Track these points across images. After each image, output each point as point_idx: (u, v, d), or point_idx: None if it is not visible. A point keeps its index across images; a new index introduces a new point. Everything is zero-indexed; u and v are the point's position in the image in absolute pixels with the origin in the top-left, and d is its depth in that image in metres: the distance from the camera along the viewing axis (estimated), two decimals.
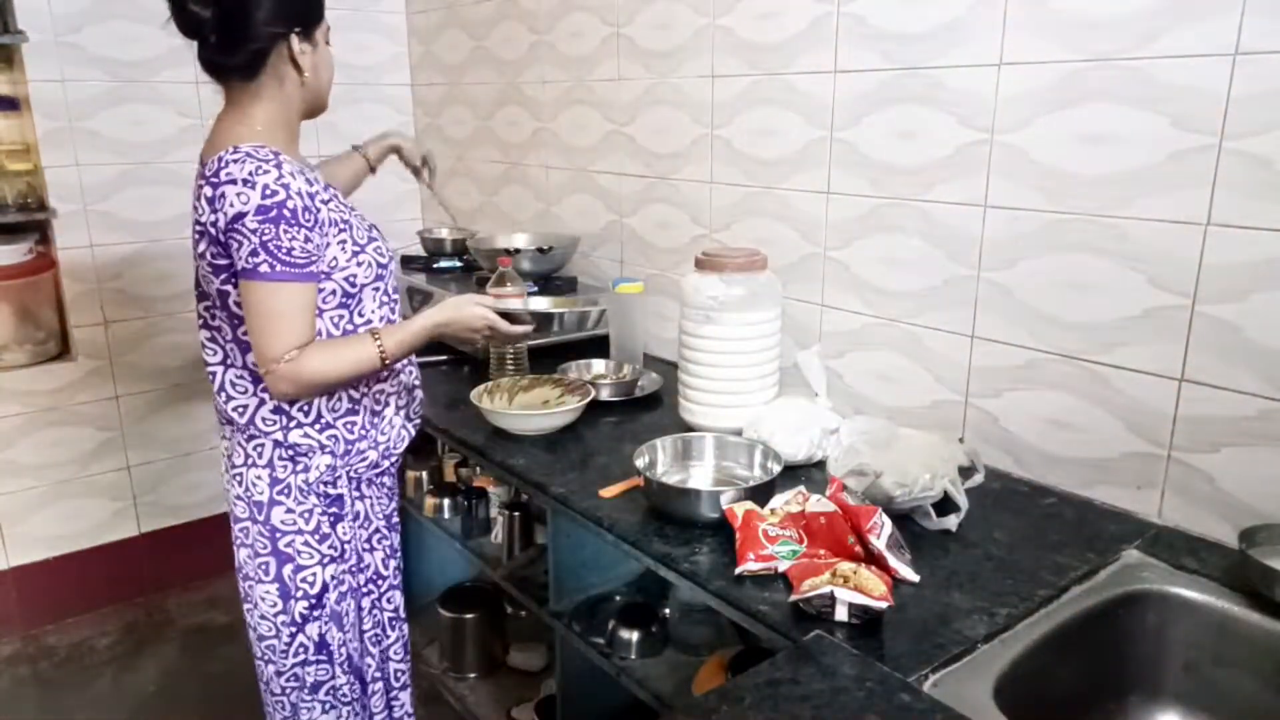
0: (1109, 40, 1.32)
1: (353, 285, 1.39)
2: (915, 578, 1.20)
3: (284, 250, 1.28)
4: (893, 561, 1.18)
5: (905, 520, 1.35)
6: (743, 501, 1.33)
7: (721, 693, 0.99)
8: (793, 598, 1.14)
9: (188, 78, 2.69)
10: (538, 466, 1.61)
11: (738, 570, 1.22)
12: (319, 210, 1.32)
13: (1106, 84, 1.34)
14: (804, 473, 1.55)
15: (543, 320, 1.59)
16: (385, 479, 1.58)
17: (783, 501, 1.36)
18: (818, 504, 1.32)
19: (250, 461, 1.43)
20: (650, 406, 1.91)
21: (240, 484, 1.44)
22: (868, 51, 1.65)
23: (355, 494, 1.50)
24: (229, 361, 1.42)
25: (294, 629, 1.45)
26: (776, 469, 1.44)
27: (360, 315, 1.43)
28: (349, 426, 1.46)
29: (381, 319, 1.46)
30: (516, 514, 1.98)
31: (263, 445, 1.42)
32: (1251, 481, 1.28)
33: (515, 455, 1.66)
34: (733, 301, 1.61)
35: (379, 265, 1.43)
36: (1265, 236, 1.21)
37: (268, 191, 1.26)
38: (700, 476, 1.54)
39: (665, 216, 2.19)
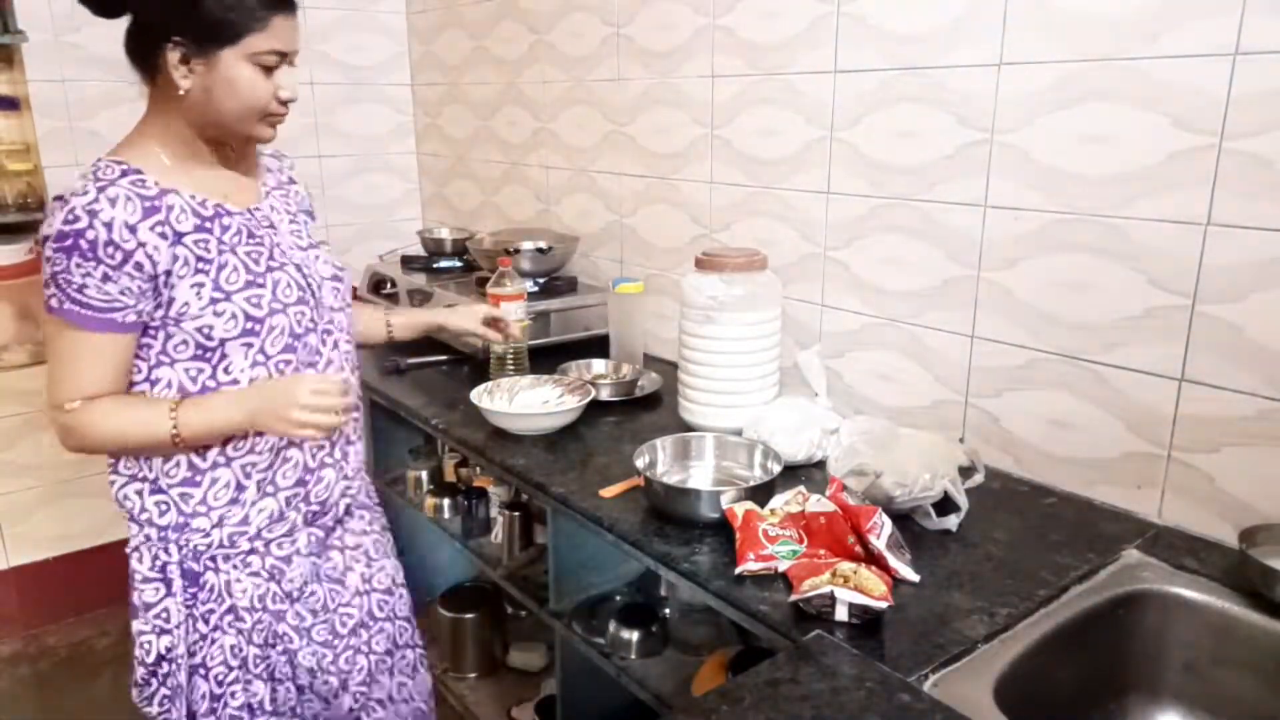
0: (1109, 40, 1.32)
1: (208, 339, 1.20)
2: (915, 578, 1.20)
3: (74, 287, 1.12)
4: (893, 561, 1.18)
5: (905, 520, 1.35)
6: (743, 501, 1.33)
7: (721, 693, 0.99)
8: (793, 598, 1.14)
9: None
10: (538, 466, 1.61)
11: (738, 570, 1.22)
12: (142, 246, 1.13)
13: (1106, 84, 1.34)
14: (804, 473, 1.55)
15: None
16: (254, 559, 1.31)
17: (783, 501, 1.36)
18: (818, 504, 1.32)
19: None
20: (650, 406, 1.91)
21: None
22: (868, 51, 1.65)
23: (196, 567, 1.28)
24: None
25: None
26: (776, 469, 1.44)
27: (226, 373, 1.23)
28: (184, 498, 1.26)
29: (256, 380, 1.24)
30: (516, 514, 1.98)
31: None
32: (1251, 481, 1.28)
33: (515, 455, 1.66)
34: (733, 301, 1.61)
35: (248, 318, 1.21)
36: (1265, 236, 1.21)
37: (70, 216, 1.11)
38: (700, 476, 1.54)
39: (665, 216, 2.19)
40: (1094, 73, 1.35)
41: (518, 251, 2.21)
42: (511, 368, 1.99)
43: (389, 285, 2.50)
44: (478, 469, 2.27)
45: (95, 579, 2.78)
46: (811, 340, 1.85)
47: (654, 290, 2.22)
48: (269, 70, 1.19)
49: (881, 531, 1.20)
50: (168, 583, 1.27)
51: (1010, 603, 1.16)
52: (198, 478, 1.26)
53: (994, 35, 1.46)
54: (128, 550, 1.30)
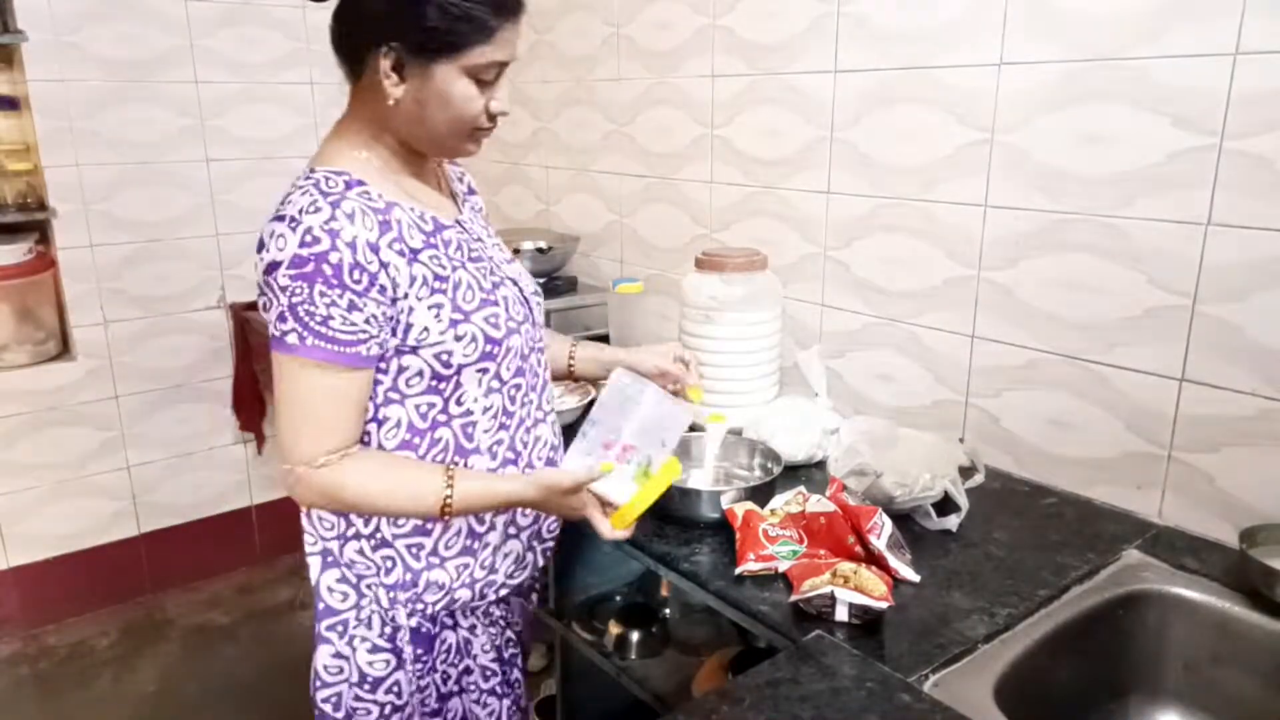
0: (1109, 40, 1.32)
1: (446, 365, 1.09)
2: (915, 578, 1.20)
3: (318, 319, 1.00)
4: (893, 561, 1.18)
5: (905, 520, 1.35)
6: (743, 501, 1.33)
7: (721, 693, 0.99)
8: (793, 598, 1.14)
9: (188, 78, 2.69)
10: None
11: (738, 570, 1.22)
12: (385, 267, 1.02)
13: (1106, 84, 1.34)
14: (804, 473, 1.55)
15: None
16: (495, 609, 1.27)
17: (783, 501, 1.36)
18: (818, 504, 1.32)
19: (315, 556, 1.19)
20: None
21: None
22: (868, 51, 1.65)
23: (433, 628, 1.20)
24: None
25: None
26: (776, 469, 1.44)
27: (459, 404, 1.12)
28: (414, 551, 1.16)
29: (491, 411, 1.14)
30: None
31: (320, 548, 1.18)
32: (1251, 481, 1.28)
33: None
34: (733, 301, 1.61)
35: (488, 339, 1.10)
36: (1265, 236, 1.21)
37: (309, 238, 0.99)
38: (700, 476, 1.54)
39: (665, 216, 2.19)
40: (1094, 73, 1.35)
41: (518, 251, 2.21)
42: None
43: None
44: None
45: (95, 579, 2.78)
46: (811, 340, 1.85)
47: (654, 290, 2.22)
48: (485, 84, 1.07)
49: (881, 531, 1.20)
50: (397, 652, 1.17)
51: (1010, 603, 1.16)
52: (429, 524, 1.15)
53: (994, 35, 1.46)
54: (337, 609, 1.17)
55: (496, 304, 1.13)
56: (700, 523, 1.36)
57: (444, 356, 1.08)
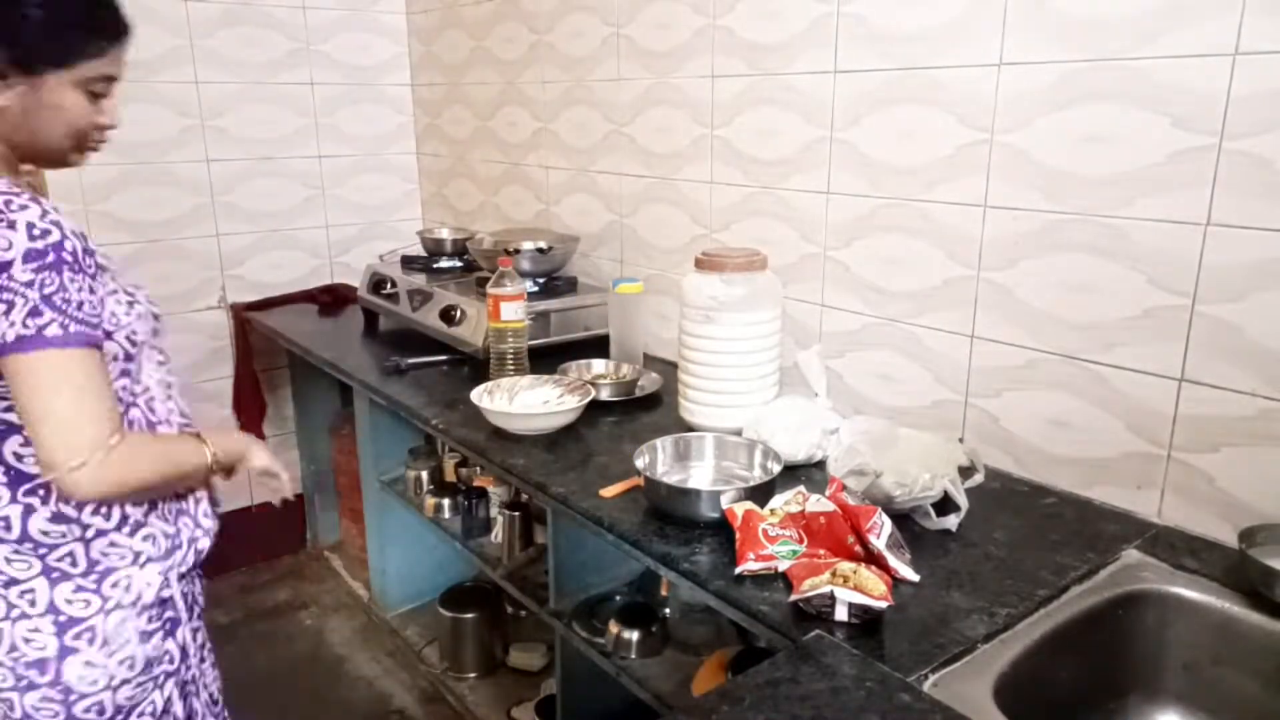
0: (1109, 40, 1.32)
1: (134, 344, 1.15)
2: (915, 577, 1.20)
3: (74, 304, 1.01)
4: (893, 561, 1.18)
5: (905, 520, 1.36)
6: (743, 501, 1.33)
7: (721, 693, 0.99)
8: (793, 597, 1.14)
9: (187, 78, 2.69)
10: (538, 466, 1.61)
11: (738, 570, 1.22)
12: (93, 256, 1.07)
13: (1106, 84, 1.34)
14: (804, 473, 1.55)
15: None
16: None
17: (783, 501, 1.36)
18: (818, 504, 1.32)
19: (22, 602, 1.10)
20: (650, 406, 1.91)
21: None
22: (868, 51, 1.65)
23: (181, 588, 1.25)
24: None
25: None
26: (776, 469, 1.44)
27: (138, 382, 1.18)
28: (167, 517, 1.21)
29: (160, 384, 1.22)
30: (516, 514, 1.98)
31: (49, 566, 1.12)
32: (1251, 481, 1.28)
33: (515, 455, 1.66)
34: (733, 301, 1.61)
35: (153, 315, 1.20)
36: (1265, 236, 1.21)
37: (35, 231, 0.99)
38: (700, 476, 1.54)
39: (665, 216, 2.19)
40: (1094, 73, 1.35)
41: (518, 251, 2.21)
42: (512, 368, 1.99)
43: (389, 285, 2.50)
44: (478, 469, 2.27)
45: None
46: (811, 340, 1.85)
47: (654, 290, 2.22)
48: (96, 96, 1.10)
49: (881, 531, 1.20)
50: (174, 616, 1.24)
51: (1010, 603, 1.16)
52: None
53: (994, 35, 1.46)
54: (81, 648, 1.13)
55: (138, 286, 1.20)
56: (700, 522, 1.36)
57: (132, 336, 1.14)
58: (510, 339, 1.99)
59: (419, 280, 2.42)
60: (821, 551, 1.23)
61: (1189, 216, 1.28)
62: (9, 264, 0.98)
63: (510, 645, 2.40)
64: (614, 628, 1.58)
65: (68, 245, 1.02)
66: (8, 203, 1.00)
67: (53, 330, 0.99)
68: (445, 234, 2.70)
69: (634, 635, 1.57)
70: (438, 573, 2.54)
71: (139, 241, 2.69)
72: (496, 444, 1.71)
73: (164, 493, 1.20)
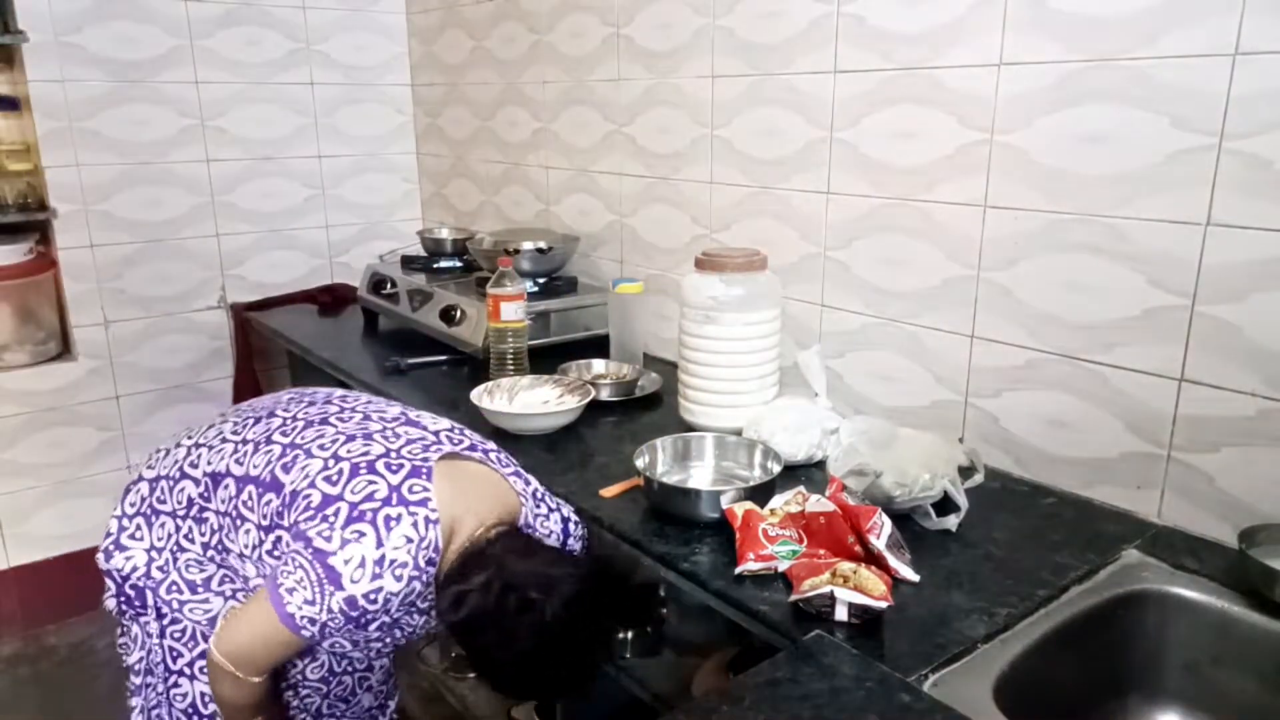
0: (1109, 40, 1.32)
1: None
2: (915, 578, 1.20)
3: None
4: (893, 561, 1.18)
5: (905, 520, 1.35)
6: (743, 501, 1.33)
7: (721, 692, 0.99)
8: (793, 597, 1.14)
9: (188, 78, 2.69)
10: (538, 466, 1.61)
11: (738, 570, 1.22)
12: None
13: (1106, 84, 1.34)
14: (804, 473, 1.55)
15: None
16: None
17: (783, 501, 1.36)
18: (818, 504, 1.32)
19: None
20: (650, 406, 1.91)
21: None
22: (867, 51, 1.65)
23: None
24: None
25: None
26: (776, 469, 1.44)
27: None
28: None
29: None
30: None
31: None
32: (1251, 481, 1.28)
33: (515, 455, 1.65)
34: (733, 301, 1.61)
35: None
36: (1265, 236, 1.21)
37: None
38: (700, 476, 1.54)
39: (665, 216, 2.19)
40: (1094, 73, 1.35)
41: (518, 251, 2.21)
42: (511, 368, 1.99)
43: (389, 285, 2.50)
44: None
45: (95, 579, 2.77)
46: (811, 340, 1.85)
47: (654, 290, 2.22)
48: None
49: (881, 531, 1.20)
50: None
51: (1010, 603, 1.16)
52: None
53: (994, 35, 1.46)
54: None
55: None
56: (700, 522, 1.36)
57: None
58: (510, 339, 1.99)
59: (419, 280, 2.42)
60: (821, 551, 1.23)
61: (1189, 216, 1.28)
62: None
63: None
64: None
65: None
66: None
67: (291, 610, 1.17)
68: (445, 234, 2.70)
69: (629, 635, 1.57)
70: None
71: (139, 241, 2.69)
72: (496, 444, 1.71)
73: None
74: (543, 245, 2.26)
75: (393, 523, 1.17)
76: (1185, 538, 1.33)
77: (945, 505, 1.35)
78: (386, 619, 1.22)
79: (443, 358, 2.20)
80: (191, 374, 2.85)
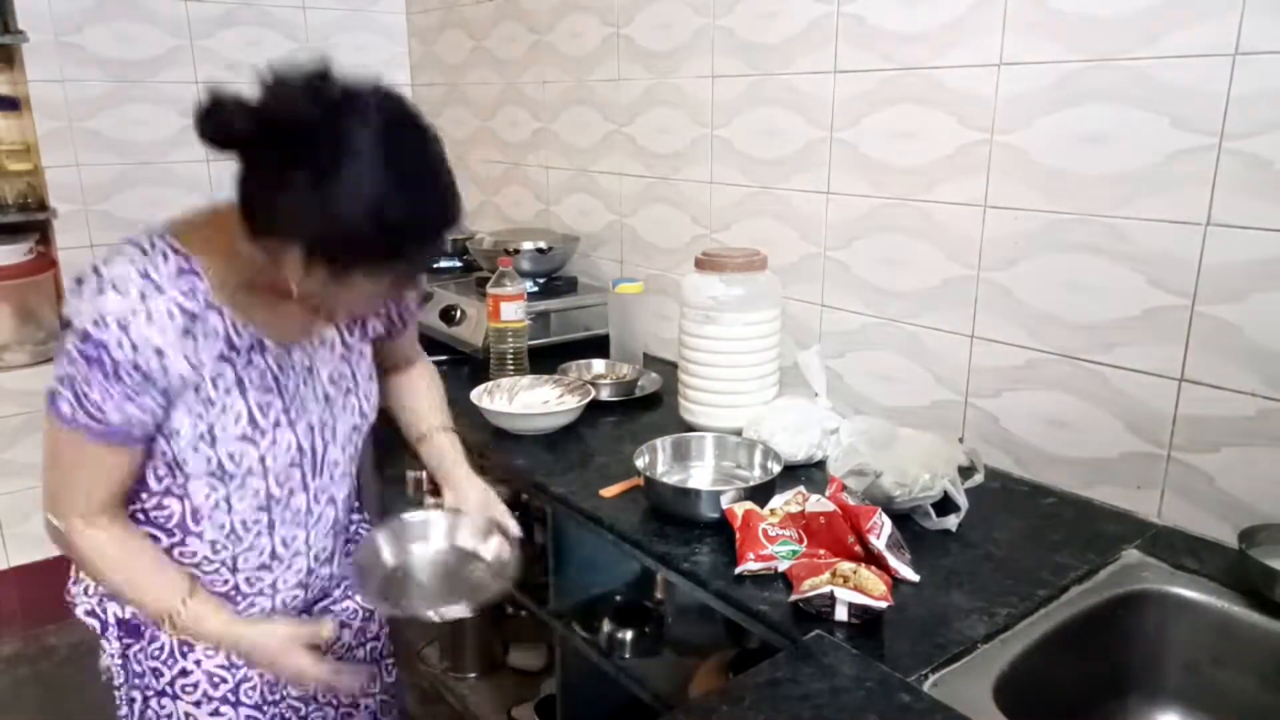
0: (1109, 40, 1.32)
1: (179, 469, 1.10)
2: (915, 578, 1.20)
3: (91, 403, 1.00)
4: (893, 561, 1.18)
5: (905, 520, 1.35)
6: (743, 501, 1.33)
7: (721, 692, 0.99)
8: (793, 597, 1.14)
9: (188, 78, 2.69)
10: (538, 466, 1.61)
11: (738, 570, 1.22)
12: (165, 371, 1.02)
13: (1106, 84, 1.34)
14: (804, 473, 1.55)
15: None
16: None
17: (783, 501, 1.36)
18: (818, 504, 1.32)
19: None
20: (650, 406, 1.91)
21: None
22: (867, 51, 1.65)
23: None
24: None
25: None
26: (776, 469, 1.44)
27: (186, 500, 1.12)
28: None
29: (218, 524, 1.14)
30: (516, 514, 1.97)
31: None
32: (1251, 481, 1.28)
33: (515, 455, 1.66)
34: (733, 301, 1.61)
35: (223, 470, 1.10)
36: (1265, 236, 1.21)
37: (100, 321, 0.97)
38: (700, 476, 1.54)
39: (665, 216, 2.19)
40: (1094, 73, 1.35)
41: (518, 251, 2.21)
42: (512, 368, 1.99)
43: None
44: (478, 469, 2.26)
45: None
46: (811, 340, 1.85)
47: (654, 290, 2.22)
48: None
49: (881, 531, 1.20)
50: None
51: (1010, 603, 1.16)
52: None
53: (994, 35, 1.46)
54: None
55: (256, 444, 1.12)
56: (700, 522, 1.36)
57: (180, 461, 1.09)
58: (510, 339, 1.99)
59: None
60: (821, 551, 1.23)
61: (1189, 216, 1.28)
62: (70, 327, 1.00)
63: (510, 645, 2.40)
64: (607, 626, 1.58)
65: (115, 352, 0.98)
66: (125, 276, 1.00)
67: (65, 408, 1.02)
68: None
69: (628, 635, 1.57)
70: None
71: None
72: (496, 444, 1.71)
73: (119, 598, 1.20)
74: (543, 245, 2.26)
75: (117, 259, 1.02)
76: (1185, 538, 1.33)
77: (945, 505, 1.34)
78: (146, 366, 1.00)
79: (443, 357, 2.20)
80: None
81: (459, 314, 2.18)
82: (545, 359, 2.06)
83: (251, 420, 1.11)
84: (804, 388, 1.68)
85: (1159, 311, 1.33)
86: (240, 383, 1.10)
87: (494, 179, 2.83)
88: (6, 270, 2.50)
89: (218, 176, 2.79)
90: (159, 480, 1.12)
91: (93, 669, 2.47)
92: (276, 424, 1.14)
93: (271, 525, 1.19)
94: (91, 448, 1.04)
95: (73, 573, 1.26)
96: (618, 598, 1.69)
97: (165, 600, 1.12)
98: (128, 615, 1.23)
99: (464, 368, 2.16)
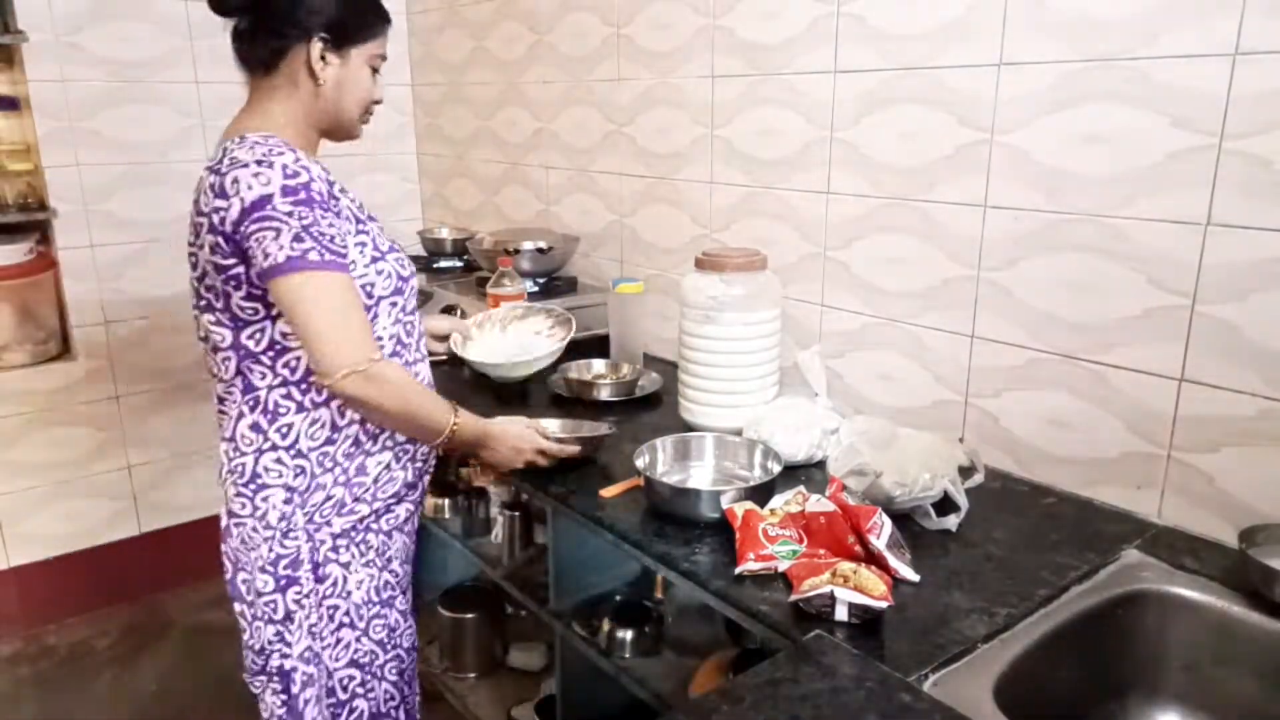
0: (1109, 40, 1.32)
1: (369, 296, 1.28)
2: (915, 578, 1.20)
3: (327, 238, 1.16)
4: (893, 561, 1.18)
5: (905, 520, 1.35)
6: (743, 501, 1.33)
7: (721, 693, 0.99)
8: (793, 597, 1.14)
9: (188, 78, 2.69)
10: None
11: (738, 570, 1.22)
12: (339, 201, 1.24)
13: (1106, 84, 1.34)
14: (804, 473, 1.55)
15: (588, 443, 1.57)
16: (371, 538, 1.40)
17: (783, 501, 1.36)
18: (818, 504, 1.32)
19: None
20: (650, 406, 1.91)
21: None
22: (868, 51, 1.65)
23: (318, 558, 1.34)
24: (239, 369, 1.32)
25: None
26: (776, 469, 1.44)
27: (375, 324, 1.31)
28: (321, 459, 1.32)
29: (393, 339, 1.34)
30: (516, 514, 1.98)
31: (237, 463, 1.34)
32: (1251, 481, 1.28)
33: None
34: (733, 301, 1.61)
35: (399, 277, 1.33)
36: (1265, 236, 1.21)
37: (289, 171, 1.16)
38: (700, 476, 1.54)
39: (665, 216, 2.19)
40: (1094, 73, 1.35)
41: (518, 251, 2.21)
42: None
43: None
44: (478, 469, 2.26)
45: (95, 579, 2.78)
46: (811, 340, 1.85)
47: (654, 290, 2.22)
48: (375, 72, 1.38)
49: (881, 531, 1.20)
50: (291, 577, 1.32)
51: (1010, 603, 1.16)
52: (334, 435, 1.32)
53: (994, 35, 1.46)
54: (235, 535, 1.34)
55: (399, 251, 1.36)
56: (700, 522, 1.36)
57: (367, 287, 1.27)
58: None
59: (419, 280, 2.42)
60: (821, 551, 1.23)
61: (1189, 216, 1.28)
62: (269, 196, 1.14)
63: (510, 645, 2.40)
64: (607, 626, 1.58)
65: (315, 186, 1.17)
66: (270, 150, 1.18)
67: (313, 255, 1.14)
68: (445, 234, 2.70)
69: (628, 635, 1.57)
70: (438, 573, 2.53)
71: (139, 241, 2.69)
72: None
73: (398, 429, 1.34)
74: (543, 245, 2.26)
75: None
76: (1185, 538, 1.33)
77: (945, 505, 1.34)
78: (323, 191, 1.20)
79: (442, 356, 2.20)
80: (191, 374, 2.85)
81: (459, 314, 2.18)
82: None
83: (384, 238, 1.34)
84: (804, 388, 1.68)
85: (1159, 311, 1.33)
86: (358, 212, 1.30)
87: (494, 179, 2.83)
88: (6, 270, 2.50)
89: None
90: None
91: (92, 669, 2.47)
92: (391, 240, 1.37)
93: (415, 329, 1.41)
94: (346, 281, 1.18)
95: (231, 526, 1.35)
96: (618, 598, 1.69)
97: (444, 412, 1.32)
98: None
99: (464, 368, 2.16)
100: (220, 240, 1.19)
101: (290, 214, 1.14)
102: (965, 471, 1.39)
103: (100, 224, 2.62)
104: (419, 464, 1.45)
